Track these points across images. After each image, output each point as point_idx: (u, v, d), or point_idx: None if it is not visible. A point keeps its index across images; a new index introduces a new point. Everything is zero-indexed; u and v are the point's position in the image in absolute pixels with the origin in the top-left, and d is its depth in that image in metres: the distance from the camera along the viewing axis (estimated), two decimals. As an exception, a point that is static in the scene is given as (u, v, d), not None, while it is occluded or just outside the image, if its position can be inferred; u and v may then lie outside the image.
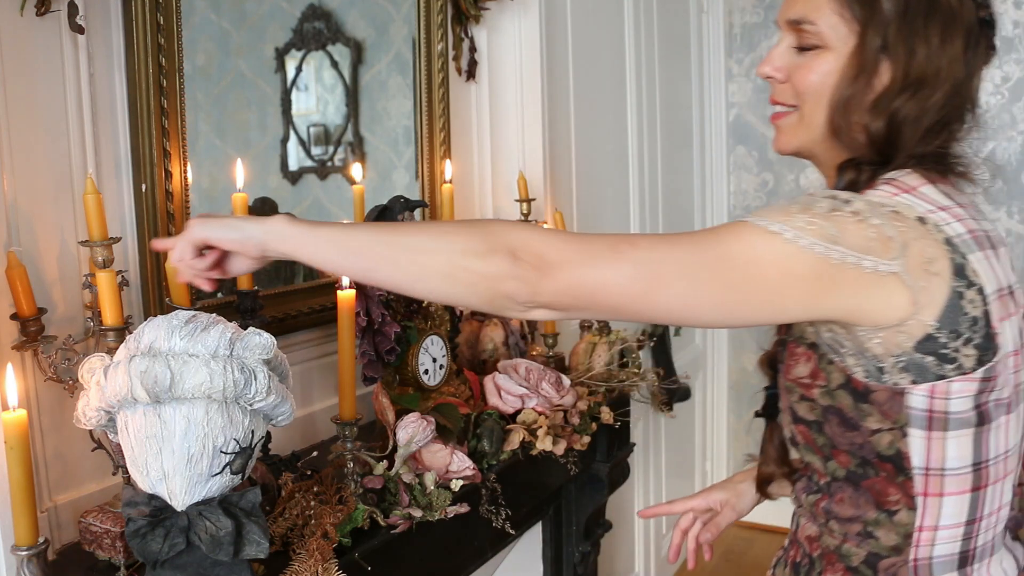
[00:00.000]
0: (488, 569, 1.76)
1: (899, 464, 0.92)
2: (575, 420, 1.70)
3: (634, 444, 2.07)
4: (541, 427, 1.60)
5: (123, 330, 1.13)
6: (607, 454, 1.90)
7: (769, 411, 1.11)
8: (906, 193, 0.90)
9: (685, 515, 1.31)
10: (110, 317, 1.13)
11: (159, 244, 1.07)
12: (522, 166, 2.11)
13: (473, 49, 2.06)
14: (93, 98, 1.27)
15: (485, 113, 2.14)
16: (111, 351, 1.06)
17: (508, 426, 1.59)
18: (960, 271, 0.86)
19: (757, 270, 0.85)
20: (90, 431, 1.10)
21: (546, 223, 1.98)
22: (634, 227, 2.77)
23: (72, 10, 1.20)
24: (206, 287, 1.02)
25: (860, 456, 0.94)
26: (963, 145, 0.97)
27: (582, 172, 2.39)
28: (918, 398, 0.88)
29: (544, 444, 1.59)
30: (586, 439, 1.70)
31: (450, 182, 1.85)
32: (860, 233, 0.84)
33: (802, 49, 0.97)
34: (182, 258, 0.97)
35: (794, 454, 1.07)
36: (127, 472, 1.06)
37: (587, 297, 0.87)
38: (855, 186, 0.93)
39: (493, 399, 1.65)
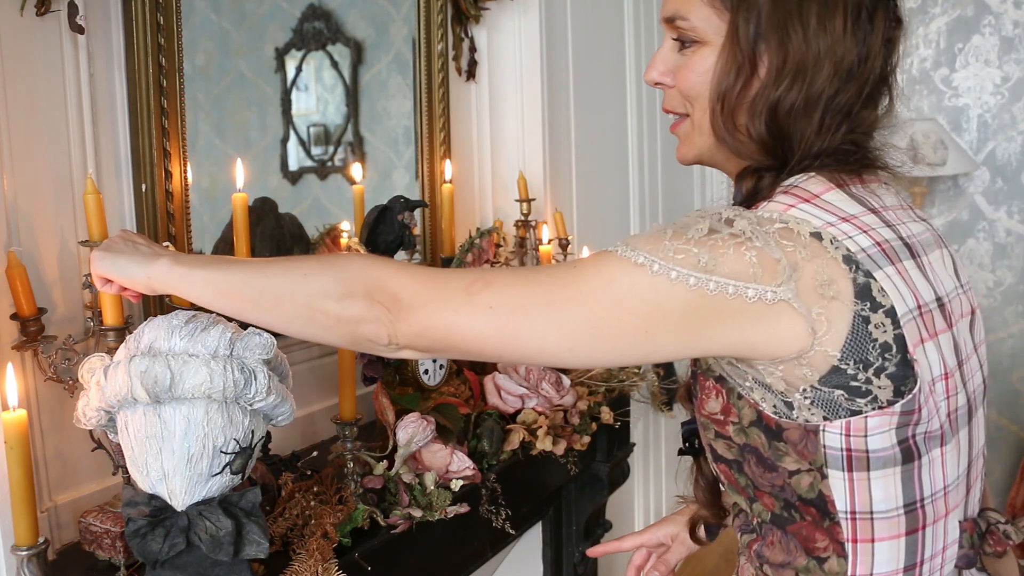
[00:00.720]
0: (488, 569, 1.76)
1: (823, 508, 0.83)
2: (575, 420, 1.70)
3: (634, 444, 2.07)
4: (541, 427, 1.60)
5: (123, 330, 1.13)
6: (607, 454, 1.90)
7: (691, 448, 1.04)
8: (805, 203, 0.81)
9: (638, 551, 1.26)
10: (110, 317, 1.13)
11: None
12: (522, 166, 2.11)
13: (473, 49, 2.06)
14: (93, 98, 1.27)
15: (485, 113, 2.14)
16: (111, 351, 1.06)
17: (508, 426, 1.59)
18: (864, 292, 0.77)
19: (623, 307, 0.77)
20: (90, 431, 1.10)
21: (545, 223, 1.98)
22: (634, 227, 2.77)
23: (72, 10, 1.20)
24: (133, 299, 1.08)
25: (783, 499, 0.86)
26: (882, 134, 0.89)
27: (582, 172, 2.39)
28: (832, 436, 0.80)
29: (544, 444, 1.59)
30: (586, 439, 1.70)
31: (450, 182, 1.85)
32: (740, 258, 0.75)
33: (683, 46, 0.90)
34: (98, 285, 1.02)
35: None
36: (127, 472, 1.06)
37: (444, 340, 0.83)
38: (755, 196, 0.86)
39: (493, 399, 1.65)
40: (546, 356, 0.83)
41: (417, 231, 1.81)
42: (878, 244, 0.81)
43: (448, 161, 1.91)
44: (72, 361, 1.17)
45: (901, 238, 0.84)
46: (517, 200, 2.01)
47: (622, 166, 2.70)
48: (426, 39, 1.90)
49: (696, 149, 0.93)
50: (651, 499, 2.88)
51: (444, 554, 1.42)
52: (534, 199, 2.03)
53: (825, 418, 0.79)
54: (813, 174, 0.84)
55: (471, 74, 2.06)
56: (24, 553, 1.00)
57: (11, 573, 1.02)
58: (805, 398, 0.79)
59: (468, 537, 1.47)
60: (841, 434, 0.79)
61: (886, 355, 0.77)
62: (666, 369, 2.64)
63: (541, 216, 2.09)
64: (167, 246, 1.24)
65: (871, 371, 0.77)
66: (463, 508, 1.35)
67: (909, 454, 0.81)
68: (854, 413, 0.78)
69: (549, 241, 1.92)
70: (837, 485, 0.82)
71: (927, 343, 0.81)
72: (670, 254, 0.76)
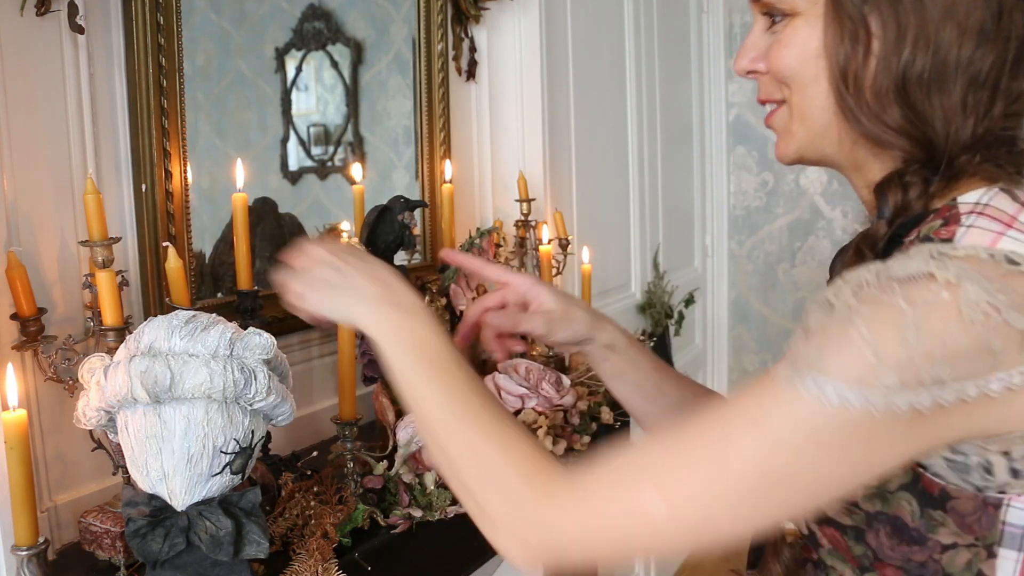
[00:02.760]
0: (488, 569, 1.76)
1: None
2: (575, 420, 1.70)
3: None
4: (541, 427, 1.60)
5: (123, 330, 1.13)
6: (607, 454, 1.90)
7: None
8: (1010, 228, 0.65)
9: (475, 305, 0.99)
10: (110, 317, 1.13)
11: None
12: (522, 166, 2.11)
13: (473, 49, 2.06)
14: (93, 98, 1.27)
15: (485, 113, 2.14)
16: (111, 351, 1.06)
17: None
18: None
19: (826, 459, 0.61)
20: (90, 431, 1.10)
21: (545, 223, 1.98)
22: (634, 227, 2.77)
23: (72, 10, 1.20)
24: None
25: (917, 574, 0.70)
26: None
27: (582, 172, 2.39)
28: (1018, 513, 0.65)
29: (544, 444, 1.59)
30: (586, 439, 1.70)
31: (450, 182, 1.85)
32: (976, 344, 0.58)
33: (773, 23, 0.77)
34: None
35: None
36: (127, 472, 1.06)
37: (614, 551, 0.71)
38: (907, 211, 0.70)
39: (493, 399, 1.65)
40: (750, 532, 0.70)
41: (417, 231, 1.81)
42: None
43: (448, 161, 1.91)
44: (72, 361, 1.17)
45: None
46: (517, 200, 2.01)
47: (622, 166, 2.70)
48: (426, 39, 1.90)
49: (797, 143, 0.78)
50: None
51: (444, 554, 1.42)
52: (534, 199, 2.03)
53: (1020, 493, 0.65)
54: (996, 190, 0.69)
55: (471, 74, 2.06)
56: (24, 553, 1.00)
57: (11, 573, 1.02)
58: (1013, 463, 0.64)
59: (468, 537, 1.46)
60: None
61: None
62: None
63: (541, 216, 2.09)
64: (166, 246, 1.24)
65: None
66: (463, 508, 1.35)
67: None
68: None
69: (549, 241, 1.92)
70: (1006, 566, 0.67)
71: None
72: (888, 380, 0.58)
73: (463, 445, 0.75)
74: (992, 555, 0.67)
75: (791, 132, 0.78)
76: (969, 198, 0.69)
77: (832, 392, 0.59)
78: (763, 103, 0.81)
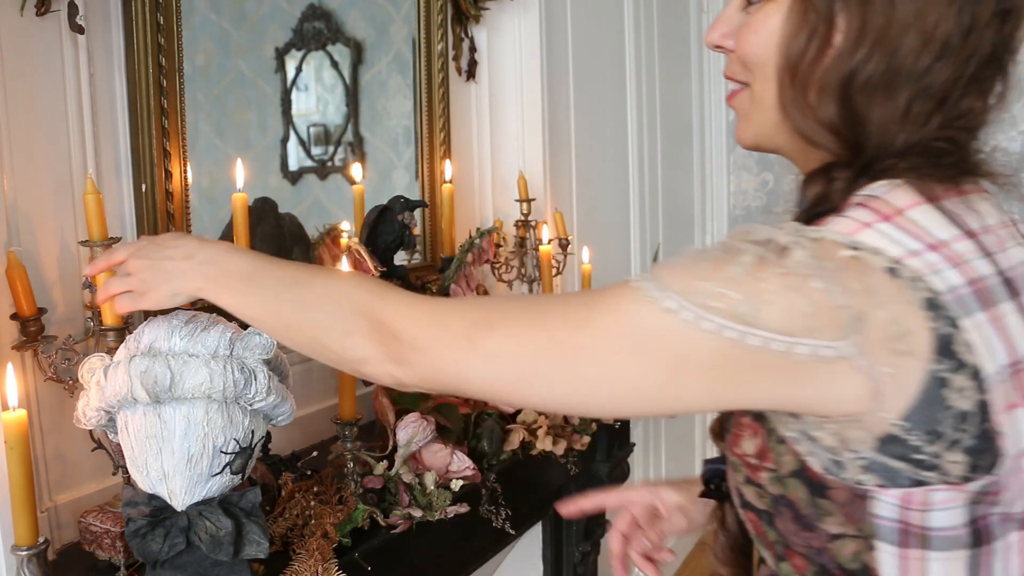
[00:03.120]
0: (488, 569, 1.76)
1: None
2: (575, 420, 1.70)
3: (634, 444, 2.07)
4: (541, 427, 1.60)
5: (123, 330, 1.13)
6: (607, 454, 1.90)
7: (715, 491, 0.88)
8: (884, 221, 0.65)
9: (620, 515, 1.05)
10: (110, 317, 1.12)
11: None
12: (522, 166, 2.11)
13: (473, 49, 2.06)
14: (93, 98, 1.27)
15: (485, 113, 2.14)
16: (111, 351, 1.06)
17: (508, 426, 1.59)
18: (944, 347, 0.61)
19: (644, 359, 0.65)
20: (90, 431, 1.10)
21: (545, 223, 1.97)
22: (634, 227, 2.77)
23: (72, 10, 1.20)
24: None
25: (819, 563, 0.70)
26: (990, 132, 0.73)
27: (582, 172, 2.39)
28: (885, 506, 0.65)
29: (544, 444, 1.59)
30: (586, 439, 1.70)
31: (450, 182, 1.85)
32: (793, 305, 0.61)
33: (748, 3, 0.76)
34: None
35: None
36: (127, 472, 1.06)
37: (452, 386, 0.76)
38: (824, 204, 0.70)
39: (493, 399, 1.65)
40: (560, 407, 0.75)
41: (417, 231, 1.81)
42: (971, 283, 0.64)
43: (448, 161, 1.91)
44: (72, 361, 1.17)
45: (1000, 272, 0.67)
46: (517, 200, 2.01)
47: (622, 166, 2.70)
48: (426, 39, 1.90)
49: (755, 128, 0.78)
50: (651, 499, 2.88)
51: (444, 554, 1.42)
52: (534, 199, 2.03)
53: (880, 485, 0.65)
54: (900, 182, 0.68)
55: (471, 74, 2.06)
56: (24, 553, 1.00)
57: (11, 573, 1.02)
58: (858, 459, 0.64)
59: (468, 537, 1.47)
60: (896, 505, 0.65)
61: (962, 425, 0.62)
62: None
63: (541, 216, 2.09)
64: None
65: (941, 444, 0.62)
66: (463, 508, 1.35)
67: (980, 537, 0.66)
68: (917, 483, 0.64)
69: (549, 241, 1.92)
70: (886, 560, 0.67)
71: (1019, 408, 0.64)
72: (704, 299, 0.62)
73: (308, 331, 0.83)
74: (871, 547, 0.67)
75: (750, 118, 0.78)
76: (867, 191, 0.69)
77: (659, 292, 0.64)
78: (727, 79, 0.80)
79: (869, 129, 0.69)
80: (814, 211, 0.71)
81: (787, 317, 0.61)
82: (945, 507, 0.64)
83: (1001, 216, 0.72)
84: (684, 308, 0.63)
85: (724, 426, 0.79)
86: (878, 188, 0.68)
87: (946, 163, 0.69)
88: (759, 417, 0.71)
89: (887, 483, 0.64)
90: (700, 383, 0.66)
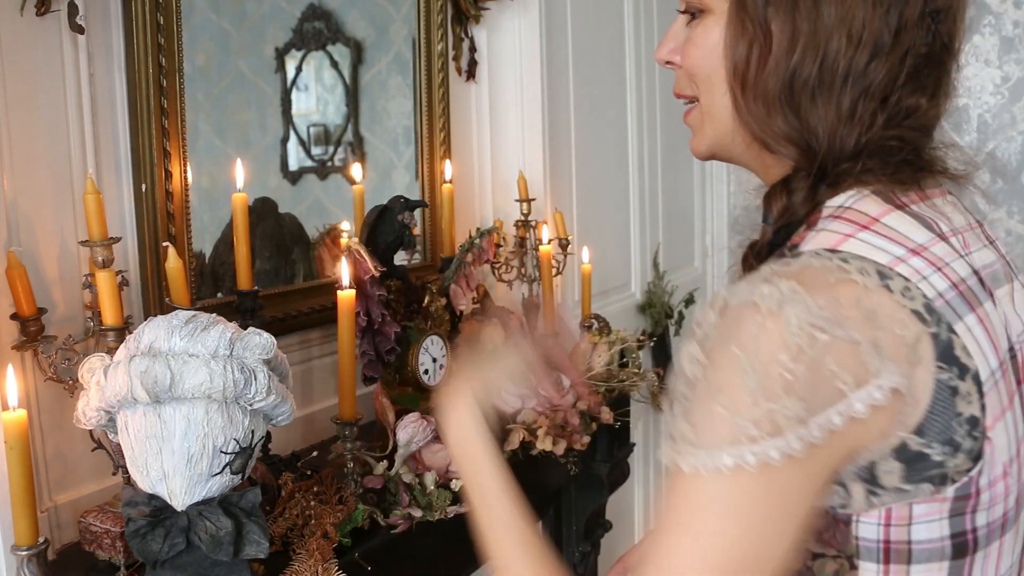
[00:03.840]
0: (488, 569, 1.76)
1: None
2: (575, 420, 1.70)
3: (634, 444, 2.07)
4: (541, 427, 1.60)
5: (123, 330, 1.13)
6: (607, 454, 1.90)
7: None
8: (864, 230, 0.65)
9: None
10: (110, 317, 1.13)
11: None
12: (522, 166, 2.11)
13: (473, 49, 2.06)
14: (93, 98, 1.27)
15: (485, 113, 2.14)
16: (111, 351, 1.06)
17: (508, 426, 1.59)
18: (947, 353, 0.61)
19: (753, 516, 0.60)
20: (90, 431, 1.10)
21: (545, 223, 1.98)
22: (634, 227, 2.77)
23: (72, 10, 1.20)
24: None
25: None
26: (937, 128, 0.74)
27: (582, 172, 2.39)
28: (868, 527, 0.65)
29: (544, 444, 1.59)
30: (586, 439, 1.70)
31: (450, 182, 1.85)
32: (821, 375, 0.58)
33: (692, 18, 0.76)
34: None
35: None
36: (127, 472, 1.06)
37: None
38: (790, 215, 0.71)
39: (493, 399, 1.65)
40: None
41: (417, 231, 1.81)
42: (954, 286, 0.64)
43: (448, 161, 1.91)
44: (72, 361, 1.17)
45: (975, 272, 0.68)
46: (517, 200, 2.01)
47: (622, 166, 2.70)
48: (426, 39, 1.90)
49: (708, 140, 0.79)
50: (651, 499, 2.88)
51: (444, 554, 1.42)
52: (534, 199, 2.03)
53: (863, 509, 0.64)
54: (867, 193, 0.68)
55: (471, 74, 2.06)
56: (24, 553, 1.00)
57: (11, 573, 1.02)
58: (869, 484, 0.63)
59: (468, 537, 1.46)
60: (879, 524, 0.64)
61: (974, 432, 0.61)
62: (666, 369, 2.64)
63: (541, 216, 2.09)
64: (166, 246, 1.24)
65: (957, 454, 0.61)
66: (463, 508, 1.35)
67: (963, 548, 0.65)
68: (899, 499, 0.63)
69: (549, 241, 1.92)
70: None
71: (1008, 411, 0.65)
72: (750, 433, 0.58)
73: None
74: (854, 567, 0.67)
75: (703, 131, 0.79)
76: (835, 201, 0.69)
77: (725, 459, 0.58)
78: (677, 97, 0.81)
79: (818, 132, 0.70)
80: (783, 227, 0.72)
81: (825, 389, 0.58)
82: (926, 519, 0.64)
83: (966, 218, 0.74)
84: (746, 455, 0.58)
85: None
86: (846, 199, 0.69)
87: (899, 161, 0.70)
88: None
89: (868, 506, 0.64)
90: (804, 497, 0.61)
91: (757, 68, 0.71)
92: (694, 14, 0.76)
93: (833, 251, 0.64)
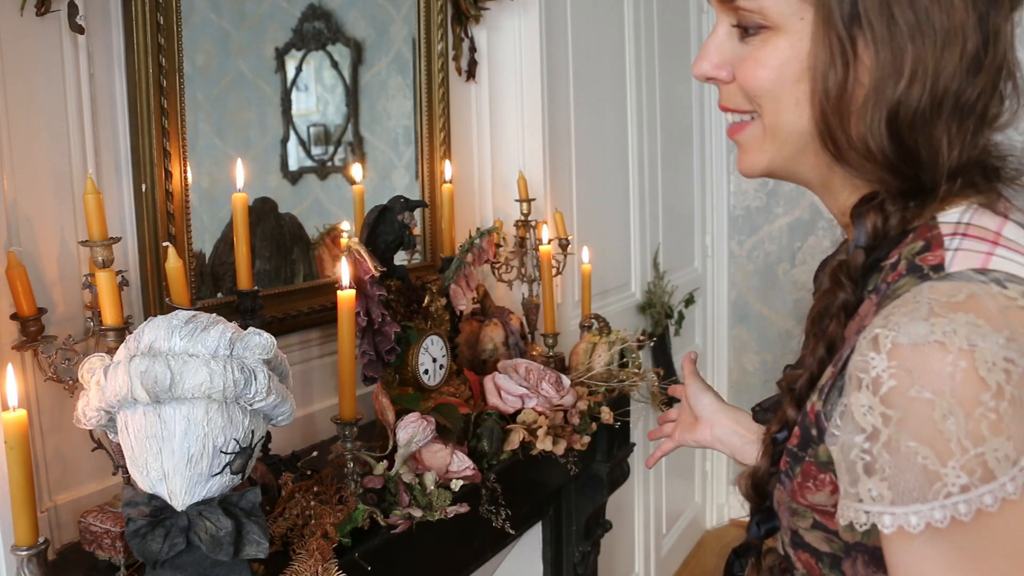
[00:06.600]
0: (488, 569, 1.76)
1: None
2: (575, 420, 1.70)
3: (634, 444, 2.07)
4: (541, 427, 1.60)
5: (123, 330, 1.13)
6: (607, 454, 1.90)
7: (747, 551, 0.84)
8: (996, 246, 0.63)
9: (678, 407, 1.18)
10: (110, 317, 1.13)
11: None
12: (522, 166, 2.11)
13: (473, 49, 2.06)
14: (93, 98, 1.27)
15: (485, 113, 2.14)
16: (111, 351, 1.06)
17: (508, 426, 1.59)
18: None
19: (992, 563, 0.58)
20: (90, 431, 1.10)
21: (545, 223, 1.98)
22: (634, 227, 2.77)
23: (72, 10, 1.20)
24: None
25: None
26: (1008, 135, 0.71)
27: (582, 172, 2.39)
28: None
29: (544, 444, 1.59)
30: (586, 439, 1.70)
31: (450, 182, 1.85)
32: (1010, 402, 0.55)
33: (746, 33, 0.72)
34: None
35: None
36: (127, 472, 1.06)
37: None
38: (883, 237, 0.68)
39: (493, 399, 1.65)
40: None
41: (417, 231, 1.81)
42: None
43: (448, 161, 1.91)
44: (72, 361, 1.17)
45: None
46: (517, 200, 2.01)
47: (622, 166, 2.70)
48: (426, 39, 1.90)
49: (767, 159, 0.75)
50: (651, 499, 2.88)
51: (444, 554, 1.42)
52: (534, 199, 2.03)
53: None
54: (975, 205, 0.66)
55: (471, 74, 2.06)
56: (24, 553, 1.00)
57: (11, 573, 1.02)
58: None
59: (468, 537, 1.47)
60: None
61: None
62: (666, 369, 2.64)
63: (541, 216, 2.09)
64: (166, 246, 1.24)
65: None
66: (463, 508, 1.35)
67: None
68: None
69: (549, 241, 1.92)
70: None
71: None
72: (962, 480, 0.56)
73: None
74: None
75: (763, 150, 0.75)
76: (949, 217, 0.66)
77: (935, 515, 0.56)
78: (725, 111, 0.77)
79: (921, 156, 0.67)
80: (877, 246, 0.69)
81: None
82: None
83: None
84: (955, 506, 0.56)
85: (764, 479, 0.76)
86: (960, 214, 0.66)
87: (992, 176, 0.68)
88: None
89: None
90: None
91: (852, 92, 0.67)
92: (748, 29, 0.72)
93: (984, 271, 0.61)
